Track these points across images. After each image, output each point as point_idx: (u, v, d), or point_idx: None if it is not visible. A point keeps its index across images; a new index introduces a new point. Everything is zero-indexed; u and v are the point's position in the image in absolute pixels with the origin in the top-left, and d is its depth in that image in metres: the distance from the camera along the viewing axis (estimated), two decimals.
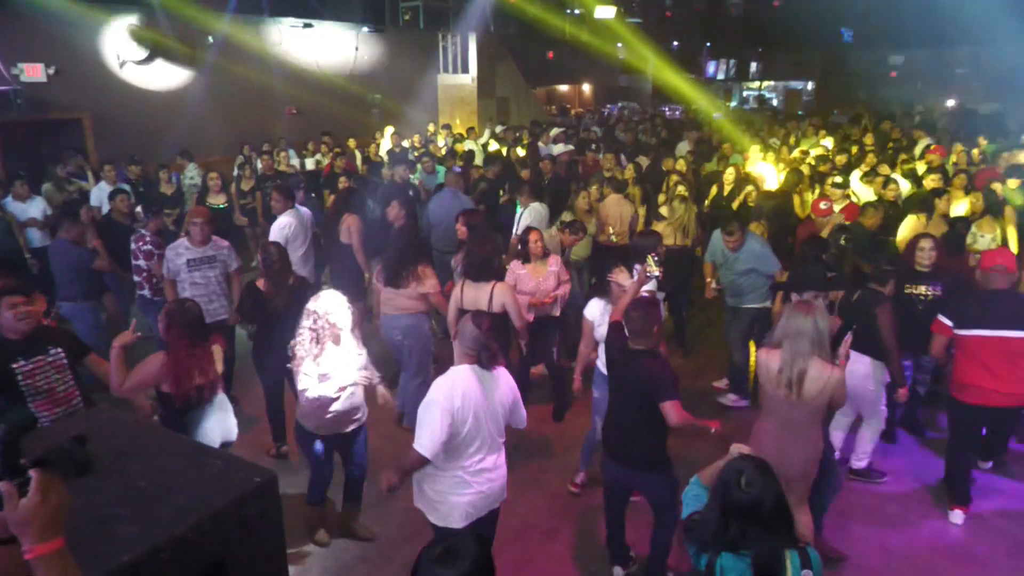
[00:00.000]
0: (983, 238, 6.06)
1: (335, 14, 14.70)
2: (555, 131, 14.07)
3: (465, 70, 18.44)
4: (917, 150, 11.25)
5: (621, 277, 4.28)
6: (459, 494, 3.17)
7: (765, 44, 29.21)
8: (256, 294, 4.92)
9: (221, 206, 8.01)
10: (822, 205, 6.54)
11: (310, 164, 11.66)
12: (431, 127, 15.83)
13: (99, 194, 8.27)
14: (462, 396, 3.07)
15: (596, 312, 4.51)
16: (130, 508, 2.16)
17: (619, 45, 19.79)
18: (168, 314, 3.77)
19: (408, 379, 5.50)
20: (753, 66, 31.14)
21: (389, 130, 13.39)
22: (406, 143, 13.58)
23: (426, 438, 3.02)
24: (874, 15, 24.51)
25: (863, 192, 8.05)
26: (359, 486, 4.34)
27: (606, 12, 17.71)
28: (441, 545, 1.84)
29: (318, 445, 4.08)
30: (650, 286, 4.04)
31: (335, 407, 3.90)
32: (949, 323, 4.24)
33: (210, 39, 12.15)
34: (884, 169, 8.88)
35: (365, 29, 15.89)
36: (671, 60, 20.39)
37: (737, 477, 2.27)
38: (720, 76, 30.30)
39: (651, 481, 3.63)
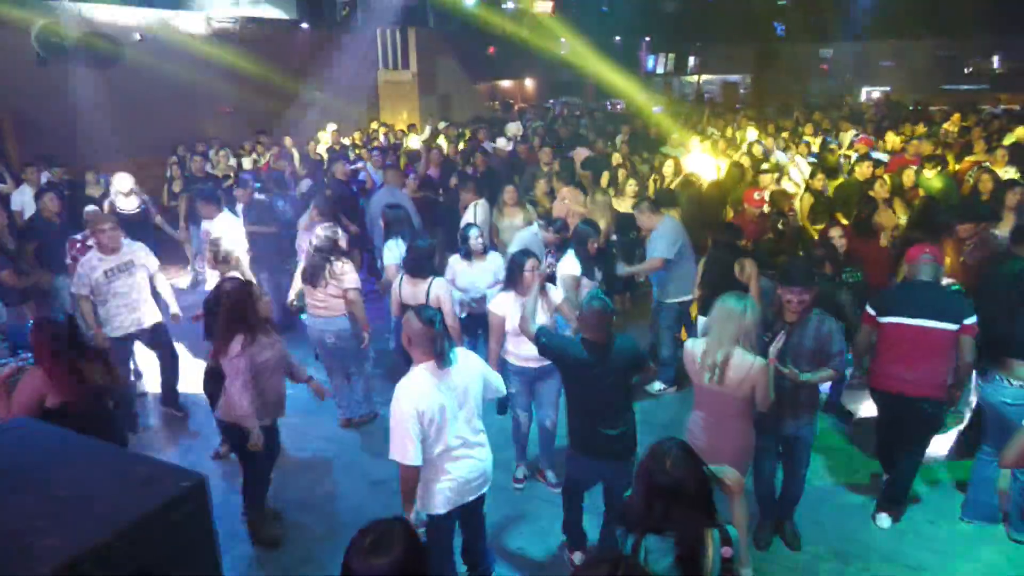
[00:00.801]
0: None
1: (270, 9, 14.38)
2: (513, 127, 14.16)
3: (405, 66, 18.28)
4: (844, 140, 11.69)
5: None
6: (437, 481, 3.26)
7: (702, 39, 29.80)
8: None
9: (135, 210, 7.72)
10: (756, 196, 6.69)
11: (247, 164, 11.40)
12: (373, 124, 15.65)
13: (21, 197, 7.92)
14: (425, 398, 3.13)
15: (508, 305, 4.45)
16: (49, 519, 2.09)
17: (562, 40, 19.89)
18: (36, 328, 3.63)
19: (339, 381, 5.56)
20: (691, 60, 31.72)
21: (330, 127, 13.20)
22: (346, 140, 13.42)
23: (409, 448, 3.10)
24: (803, 9, 25.28)
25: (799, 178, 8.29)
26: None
27: (544, 7, 17.80)
28: (370, 535, 1.82)
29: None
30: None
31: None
32: (872, 312, 4.28)
33: (136, 36, 11.73)
34: (802, 150, 9.24)
35: (304, 25, 15.59)
36: (610, 55, 20.61)
37: (662, 460, 2.32)
38: (659, 70, 30.77)
39: (624, 470, 3.65)
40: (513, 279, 4.45)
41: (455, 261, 5.54)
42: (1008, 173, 8.11)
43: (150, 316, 5.51)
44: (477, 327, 5.56)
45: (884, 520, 4.37)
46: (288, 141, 12.44)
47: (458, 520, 3.53)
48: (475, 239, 5.41)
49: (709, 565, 2.26)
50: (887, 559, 4.08)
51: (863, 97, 21.59)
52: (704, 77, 31.30)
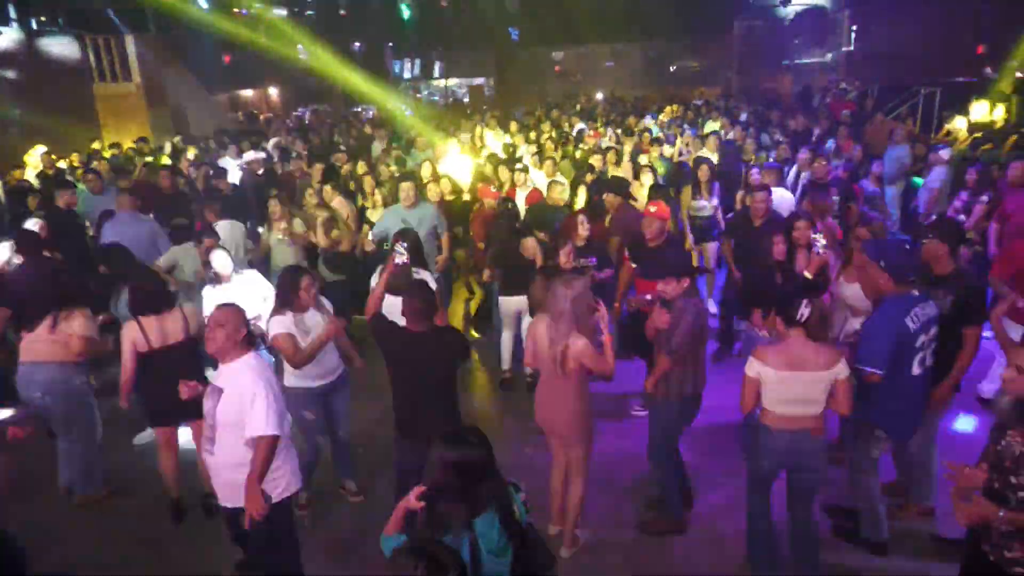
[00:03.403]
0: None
1: None
2: (274, 140, 13.47)
3: (127, 77, 16.42)
4: (574, 133, 12.90)
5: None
6: (290, 460, 3.48)
7: (444, 43, 30.78)
8: None
9: None
10: (492, 188, 7.28)
11: None
12: (95, 143, 13.94)
13: None
14: (272, 376, 3.42)
15: (288, 325, 4.19)
16: None
17: (299, 47, 19.24)
18: None
19: (63, 442, 4.77)
20: (437, 65, 32.61)
21: (39, 150, 11.47)
22: (62, 164, 11.79)
23: (274, 416, 3.23)
24: (531, 16, 27.28)
25: (537, 176, 8.92)
26: None
27: (277, 11, 17.11)
28: None
29: None
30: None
31: None
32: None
33: None
34: (553, 152, 10.02)
35: None
36: (355, 60, 20.45)
37: (466, 443, 2.42)
38: (407, 75, 31.22)
39: None
40: (287, 298, 4.21)
41: (208, 292, 5.19)
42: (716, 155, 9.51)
43: None
44: None
45: None
46: None
47: None
48: (217, 262, 5.08)
49: (519, 514, 2.46)
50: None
51: (599, 96, 23.89)
52: (451, 81, 32.32)
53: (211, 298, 5.09)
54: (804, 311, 3.37)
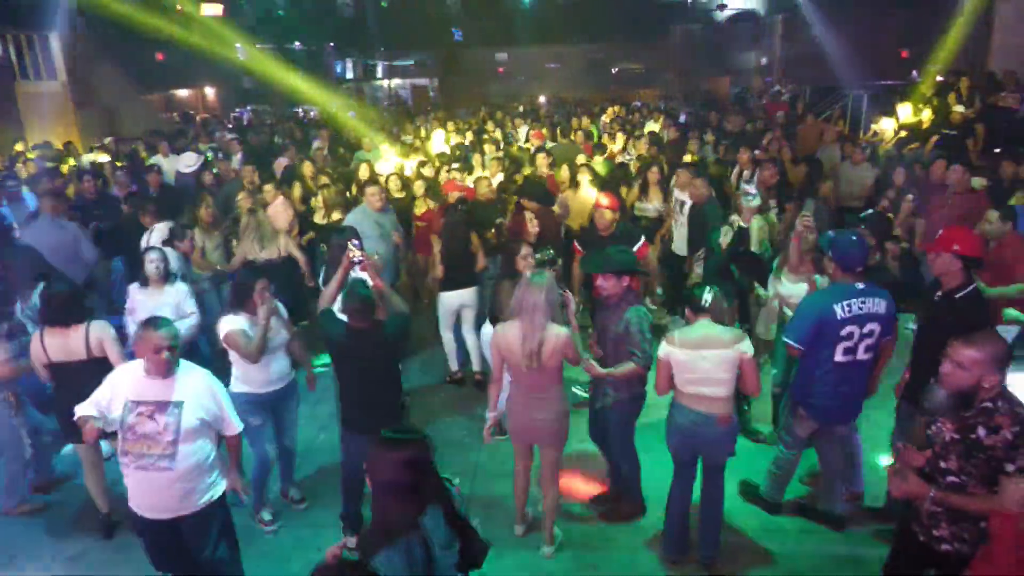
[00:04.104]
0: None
1: None
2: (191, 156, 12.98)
3: (51, 76, 15.70)
4: (520, 135, 12.92)
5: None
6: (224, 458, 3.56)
7: (388, 44, 30.50)
8: None
9: None
10: (457, 182, 7.60)
11: None
12: (18, 145, 13.29)
13: None
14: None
15: (240, 323, 4.16)
16: None
17: (238, 46, 18.72)
18: None
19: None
20: (380, 66, 32.27)
21: None
22: None
23: (237, 417, 3.50)
24: (475, 17, 27.26)
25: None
26: None
27: (213, 10, 16.61)
28: None
29: None
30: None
31: None
32: None
33: None
34: (496, 152, 10.01)
35: None
36: (294, 61, 20.02)
37: (407, 442, 2.36)
38: (349, 75, 30.79)
39: None
40: (242, 300, 4.17)
41: (135, 290, 5.00)
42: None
43: None
44: None
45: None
46: None
47: None
48: (149, 263, 4.89)
49: (457, 505, 2.50)
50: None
51: (542, 99, 24.03)
52: (394, 81, 32.03)
53: (140, 301, 4.93)
54: (707, 297, 3.65)
